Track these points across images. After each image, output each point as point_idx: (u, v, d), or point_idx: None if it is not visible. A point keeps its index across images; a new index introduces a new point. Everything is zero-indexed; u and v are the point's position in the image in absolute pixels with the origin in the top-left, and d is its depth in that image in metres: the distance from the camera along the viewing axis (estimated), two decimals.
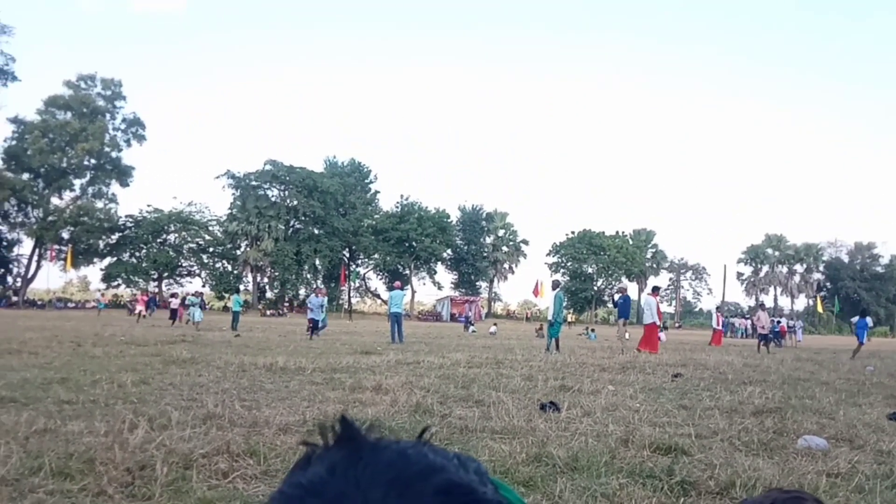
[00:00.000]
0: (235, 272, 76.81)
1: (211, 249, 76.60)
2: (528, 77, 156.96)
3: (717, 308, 46.15)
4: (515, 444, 5.12)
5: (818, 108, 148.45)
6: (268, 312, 67.63)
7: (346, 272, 75.46)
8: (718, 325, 35.39)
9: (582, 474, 4.36)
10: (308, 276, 79.02)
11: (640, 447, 5.20)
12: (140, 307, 37.25)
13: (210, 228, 76.78)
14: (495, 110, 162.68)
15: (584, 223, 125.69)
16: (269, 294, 79.19)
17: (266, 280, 78.75)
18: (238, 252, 76.37)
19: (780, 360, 19.10)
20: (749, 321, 53.22)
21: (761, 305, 31.56)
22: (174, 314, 32.86)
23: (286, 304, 73.74)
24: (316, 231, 77.00)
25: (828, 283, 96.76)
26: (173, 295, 38.16)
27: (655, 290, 22.74)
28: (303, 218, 76.15)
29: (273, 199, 76.14)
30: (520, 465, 4.50)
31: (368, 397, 7.57)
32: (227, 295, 70.18)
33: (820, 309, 73.62)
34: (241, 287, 76.15)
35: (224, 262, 77.47)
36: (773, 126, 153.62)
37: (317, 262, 76.96)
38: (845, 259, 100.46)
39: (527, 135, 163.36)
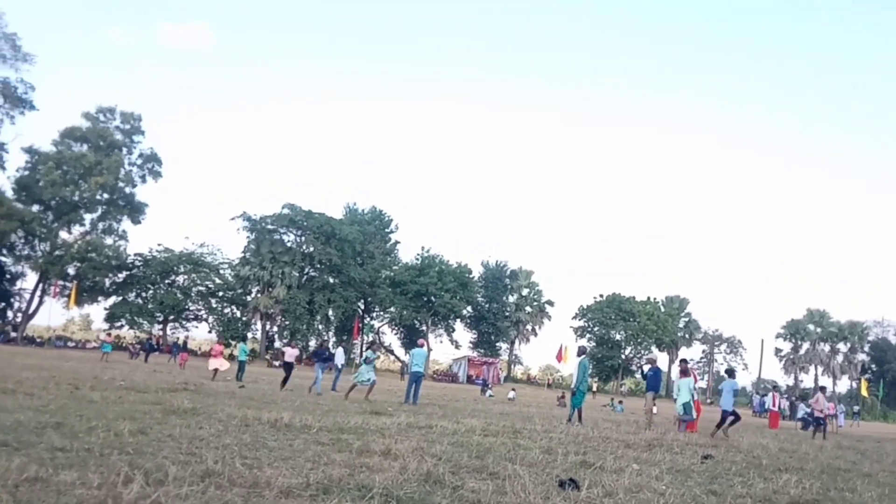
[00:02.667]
0: (244, 319, 77.05)
1: (220, 294, 77.07)
2: (563, 131, 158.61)
3: (775, 387, 45.46)
4: None
5: (866, 179, 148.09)
6: (275, 363, 67.49)
7: (360, 325, 75.38)
8: (775, 406, 34.75)
9: None
10: (320, 326, 79.09)
11: None
12: (217, 362, 28.66)
13: (221, 272, 77.36)
14: (526, 164, 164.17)
15: (613, 287, 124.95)
16: (277, 343, 79.26)
17: (275, 329, 78.85)
18: (248, 298, 76.73)
19: (819, 446, 18.68)
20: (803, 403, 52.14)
21: (822, 388, 30.99)
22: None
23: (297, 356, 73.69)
24: (331, 280, 77.32)
25: (873, 365, 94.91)
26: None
27: (683, 362, 22.17)
28: (318, 265, 76.60)
29: (288, 244, 76.86)
30: None
31: (376, 462, 7.50)
32: (233, 342, 70.33)
33: (865, 392, 72.07)
34: (249, 335, 76.55)
35: (233, 307, 77.81)
36: (819, 196, 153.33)
37: (330, 312, 77.06)
38: (893, 340, 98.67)
39: (558, 191, 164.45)
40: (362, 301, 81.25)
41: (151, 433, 8.43)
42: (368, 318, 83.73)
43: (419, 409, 18.97)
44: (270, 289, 74.32)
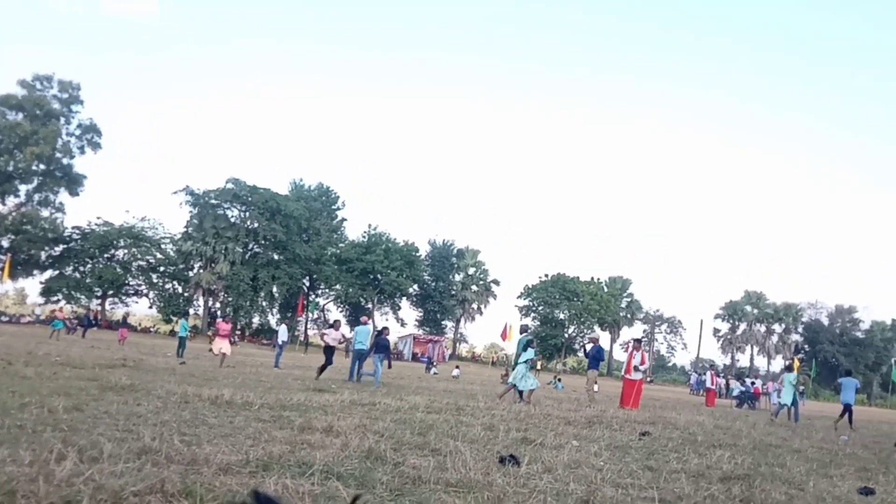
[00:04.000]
0: (186, 295, 75.83)
1: (161, 269, 75.61)
2: (511, 113, 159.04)
3: (712, 366, 46.65)
4: (470, 498, 5.10)
5: (802, 164, 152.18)
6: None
7: (305, 302, 74.90)
8: (713, 384, 35.65)
9: None
10: (264, 303, 78.31)
11: None
12: (221, 344, 24.42)
13: (162, 247, 75.85)
14: (474, 144, 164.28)
15: (558, 267, 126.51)
16: (220, 320, 78.11)
17: (218, 305, 77.81)
18: (190, 273, 75.50)
19: (752, 423, 19.27)
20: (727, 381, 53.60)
21: (788, 367, 31.78)
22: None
23: (238, 332, 72.86)
24: (276, 256, 76.49)
25: (806, 346, 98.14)
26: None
27: (637, 342, 22.83)
28: (263, 242, 75.67)
29: (232, 219, 75.68)
30: None
31: (318, 439, 7.48)
32: (174, 318, 69.21)
33: (797, 371, 74.45)
34: (191, 311, 75.38)
35: (175, 283, 76.47)
36: (757, 180, 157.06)
37: (274, 289, 76.31)
38: (825, 322, 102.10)
39: (505, 172, 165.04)
40: (307, 278, 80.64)
41: (87, 410, 8.26)
42: (314, 296, 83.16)
43: (363, 386, 18.98)
44: (213, 265, 73.18)
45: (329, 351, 22.08)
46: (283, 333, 30.40)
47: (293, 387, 15.95)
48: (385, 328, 23.51)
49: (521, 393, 18.48)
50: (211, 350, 25.72)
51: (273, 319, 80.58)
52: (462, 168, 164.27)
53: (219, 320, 30.24)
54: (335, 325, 23.90)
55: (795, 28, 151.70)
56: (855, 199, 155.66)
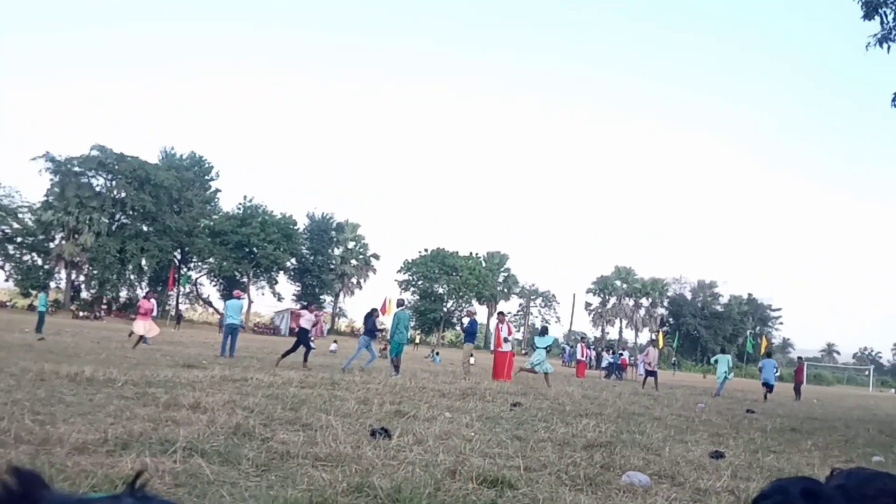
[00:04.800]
0: (46, 267, 71.62)
1: (19, 240, 70.99)
2: (387, 84, 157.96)
3: (583, 339, 48.27)
4: (338, 472, 5.09)
5: (671, 143, 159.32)
6: (81, 314, 63.57)
7: (176, 276, 72.28)
8: (583, 356, 36.88)
9: None
10: (132, 276, 75.04)
11: (468, 479, 5.32)
12: (146, 325, 22.21)
13: (19, 216, 71.18)
14: (353, 114, 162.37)
15: (438, 242, 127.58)
16: (84, 294, 74.39)
17: (82, 278, 73.99)
18: (51, 245, 71.29)
19: (618, 393, 20.19)
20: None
21: (653, 342, 33.26)
22: None
23: (104, 307, 69.57)
24: (145, 228, 73.27)
25: (671, 319, 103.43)
26: None
27: (501, 315, 23.70)
28: (130, 212, 72.29)
29: (98, 188, 71.78)
30: (339, 496, 4.47)
31: (183, 416, 7.27)
32: (33, 292, 65.31)
33: (661, 343, 78.53)
34: (53, 284, 71.31)
35: (33, 254, 72.03)
36: (627, 158, 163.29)
37: (143, 261, 73.14)
38: (688, 296, 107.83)
39: (384, 144, 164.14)
40: (179, 251, 77.79)
41: None
42: (185, 269, 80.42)
43: (235, 361, 18.58)
44: (76, 235, 69.33)
45: (303, 333, 20.32)
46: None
47: (161, 363, 15.43)
48: (374, 309, 22.77)
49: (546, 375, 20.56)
50: (131, 333, 22.52)
51: (142, 293, 77.42)
52: (341, 140, 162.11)
53: (142, 298, 25.13)
54: (310, 307, 23.03)
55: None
56: (717, 177, 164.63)
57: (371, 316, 21.79)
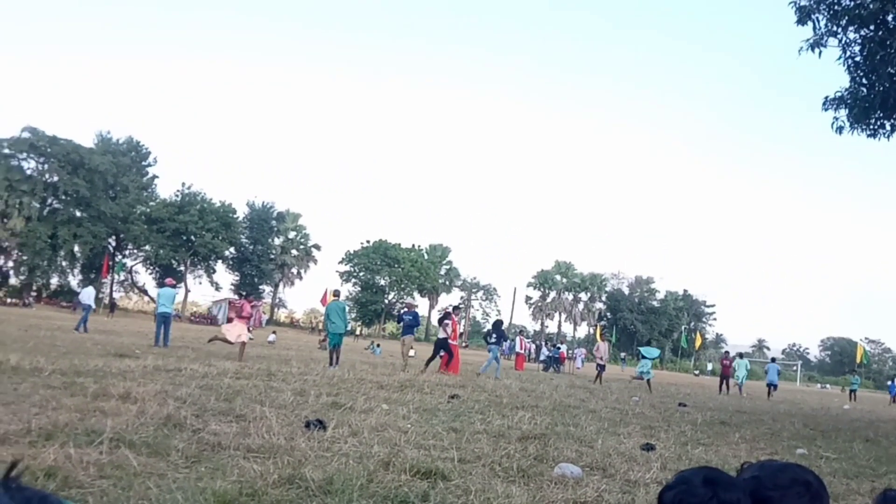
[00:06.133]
0: None
1: None
2: (330, 75, 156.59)
3: (522, 332, 48.64)
4: (270, 464, 5.04)
5: (609, 137, 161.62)
6: (9, 301, 61.53)
7: (111, 263, 70.47)
8: (522, 349, 37.17)
9: (334, 498, 4.37)
10: (64, 263, 72.86)
11: (401, 471, 5.32)
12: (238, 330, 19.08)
13: None
14: (294, 104, 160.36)
15: (380, 233, 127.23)
16: (13, 280, 71.95)
17: (11, 264, 71.55)
18: None
19: (555, 386, 20.46)
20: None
21: (602, 335, 33.92)
22: None
23: (33, 294, 67.41)
24: (78, 213, 71.09)
25: (608, 313, 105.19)
26: None
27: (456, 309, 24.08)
28: (63, 197, 70.06)
29: (28, 171, 69.30)
30: (270, 488, 4.43)
31: (112, 406, 7.10)
32: None
33: (599, 338, 79.82)
34: None
35: None
36: (568, 155, 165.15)
37: (76, 248, 71.02)
38: (626, 291, 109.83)
39: (327, 134, 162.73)
40: (114, 238, 75.81)
41: None
42: (120, 256, 78.45)
43: (170, 351, 18.22)
44: (5, 220, 66.97)
45: (442, 343, 20.92)
46: (87, 296, 28.58)
47: (92, 352, 15.03)
48: (499, 320, 23.43)
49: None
50: (219, 338, 19.70)
51: (74, 281, 75.35)
52: (283, 128, 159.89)
53: (240, 299, 21.02)
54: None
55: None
56: (655, 175, 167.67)
57: (499, 325, 22.92)
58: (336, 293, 21.36)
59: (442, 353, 20.65)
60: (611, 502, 5.06)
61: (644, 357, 28.12)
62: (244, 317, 19.84)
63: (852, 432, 14.29)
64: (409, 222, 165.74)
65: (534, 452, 6.92)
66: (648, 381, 26.53)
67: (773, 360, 34.60)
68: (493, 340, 23.49)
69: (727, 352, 37.09)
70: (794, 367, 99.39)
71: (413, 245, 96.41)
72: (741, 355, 34.45)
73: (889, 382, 51.05)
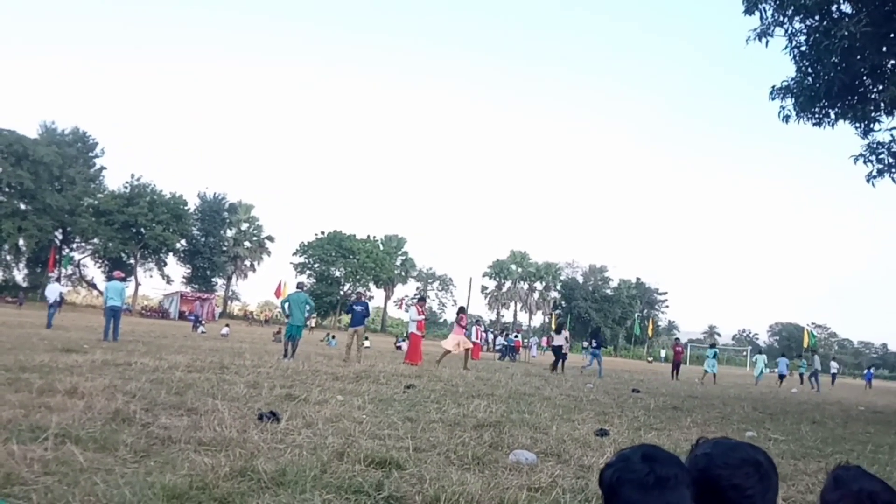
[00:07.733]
0: None
1: None
2: (284, 65, 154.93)
3: (478, 321, 48.73)
4: (221, 456, 4.97)
5: (564, 132, 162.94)
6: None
7: (57, 257, 68.84)
8: (478, 338, 37.24)
9: (287, 490, 4.33)
10: (8, 257, 71.01)
11: (355, 461, 5.30)
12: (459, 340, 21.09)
13: None
14: (246, 94, 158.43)
15: (335, 224, 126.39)
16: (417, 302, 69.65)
17: None
18: None
19: (511, 374, 20.58)
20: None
21: (562, 325, 33.77)
22: None
23: None
24: (22, 206, 69.21)
25: (563, 302, 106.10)
26: None
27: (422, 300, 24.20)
28: (7, 189, 68.11)
29: None
30: (221, 480, 4.36)
31: (58, 402, 6.93)
32: None
33: (553, 326, 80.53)
34: None
35: None
36: (523, 144, 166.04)
37: (20, 241, 69.21)
38: (580, 280, 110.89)
39: (280, 124, 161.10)
40: (60, 231, 74.05)
41: None
42: (67, 250, 76.66)
43: (119, 345, 17.89)
44: None
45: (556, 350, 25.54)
46: (53, 292, 28.16)
47: (38, 347, 14.67)
48: (598, 327, 24.99)
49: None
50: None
51: (19, 275, 73.51)
52: (234, 118, 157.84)
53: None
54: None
55: None
56: (607, 164, 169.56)
57: (597, 332, 24.54)
58: (300, 285, 21.40)
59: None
60: (565, 487, 5.10)
61: (708, 356, 32.79)
62: (462, 325, 21.67)
63: (800, 415, 14.67)
64: (363, 213, 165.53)
65: (489, 440, 6.95)
66: (714, 375, 31.12)
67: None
68: (595, 346, 28.46)
69: (678, 338, 37.78)
70: (744, 353, 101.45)
71: (368, 236, 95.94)
72: (713, 345, 37.34)
73: (866, 371, 56.95)
